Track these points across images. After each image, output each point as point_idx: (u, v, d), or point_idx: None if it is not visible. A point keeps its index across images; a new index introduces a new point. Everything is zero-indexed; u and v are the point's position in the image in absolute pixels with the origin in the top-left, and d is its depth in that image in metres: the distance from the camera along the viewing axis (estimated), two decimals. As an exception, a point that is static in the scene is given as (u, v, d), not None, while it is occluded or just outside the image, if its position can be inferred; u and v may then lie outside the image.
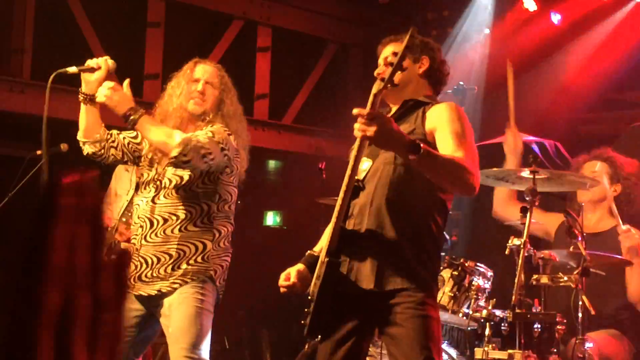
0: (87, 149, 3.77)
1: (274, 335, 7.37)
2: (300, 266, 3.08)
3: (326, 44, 8.03)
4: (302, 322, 2.89)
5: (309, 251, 3.16)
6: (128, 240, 4.30)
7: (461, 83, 5.75)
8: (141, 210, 3.61)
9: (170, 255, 3.51)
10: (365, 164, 3.01)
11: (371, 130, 2.58)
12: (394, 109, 3.14)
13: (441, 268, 4.18)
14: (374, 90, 2.82)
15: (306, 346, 4.84)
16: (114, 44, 6.86)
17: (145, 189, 3.66)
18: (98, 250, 0.77)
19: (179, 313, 3.49)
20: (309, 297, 2.93)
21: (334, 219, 2.89)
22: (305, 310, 2.92)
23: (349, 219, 2.98)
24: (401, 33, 3.12)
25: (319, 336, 2.98)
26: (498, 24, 7.15)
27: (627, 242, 4.41)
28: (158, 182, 3.61)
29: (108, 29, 6.83)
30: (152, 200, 3.59)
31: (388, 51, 3.15)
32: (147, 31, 6.95)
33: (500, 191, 4.88)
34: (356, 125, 2.63)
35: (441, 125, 2.91)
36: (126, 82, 3.63)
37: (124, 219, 5.03)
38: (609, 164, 4.72)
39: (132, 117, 3.41)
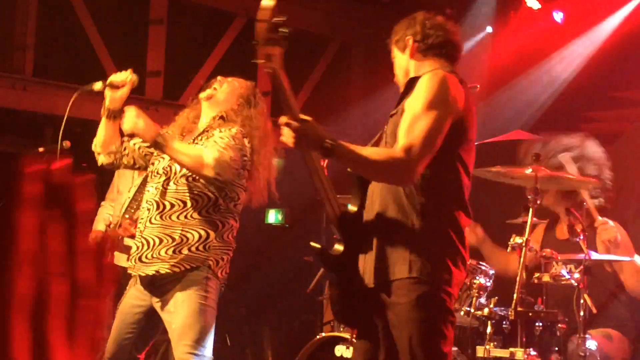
0: (102, 160, 3.84)
1: (275, 332, 7.37)
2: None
3: (328, 42, 8.02)
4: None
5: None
6: (132, 236, 4.31)
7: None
8: (150, 195, 3.64)
9: (174, 239, 3.54)
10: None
11: (289, 139, 2.68)
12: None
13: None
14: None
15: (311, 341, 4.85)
16: (117, 41, 6.86)
17: (155, 176, 3.67)
18: (73, 235, 0.76)
19: (183, 310, 3.50)
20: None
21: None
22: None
23: (366, 207, 2.96)
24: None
25: (347, 323, 3.07)
26: (501, 22, 7.14)
27: (604, 234, 4.28)
28: (168, 169, 3.62)
29: (110, 27, 6.83)
30: (162, 186, 3.62)
31: None
32: (150, 28, 6.95)
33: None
34: (282, 131, 2.71)
35: (409, 103, 2.83)
36: (128, 74, 3.67)
37: (127, 216, 5.04)
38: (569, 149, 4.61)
39: (160, 143, 3.46)
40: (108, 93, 3.73)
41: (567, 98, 6.84)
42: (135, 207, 4.98)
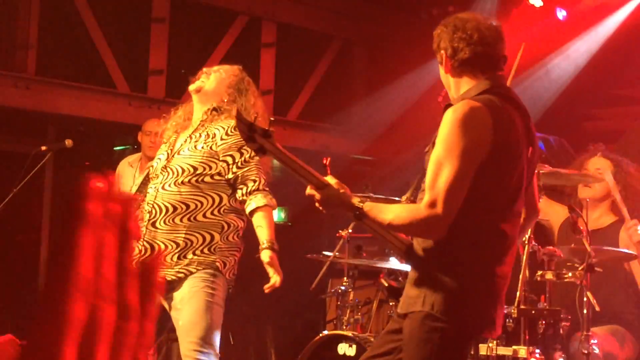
0: None
1: (278, 331, 7.37)
2: None
3: (331, 40, 8.02)
4: None
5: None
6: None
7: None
8: (150, 196, 3.62)
9: (178, 244, 3.52)
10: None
11: (317, 201, 2.77)
12: None
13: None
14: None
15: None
16: (119, 40, 6.86)
17: (156, 176, 3.66)
18: (125, 259, 0.75)
19: (190, 307, 3.49)
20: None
21: None
22: None
23: None
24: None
25: None
26: (503, 19, 7.13)
27: (635, 236, 4.41)
28: (169, 169, 3.61)
29: (113, 25, 6.83)
30: (163, 188, 3.59)
31: None
32: (152, 27, 6.95)
33: None
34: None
35: (436, 142, 2.69)
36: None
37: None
38: (612, 161, 4.71)
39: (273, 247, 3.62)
40: None
41: (570, 96, 6.84)
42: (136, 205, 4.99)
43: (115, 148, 7.79)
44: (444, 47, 2.79)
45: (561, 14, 6.83)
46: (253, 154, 3.50)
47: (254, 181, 3.55)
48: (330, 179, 2.77)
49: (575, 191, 4.74)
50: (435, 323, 2.68)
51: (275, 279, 3.52)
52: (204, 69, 3.82)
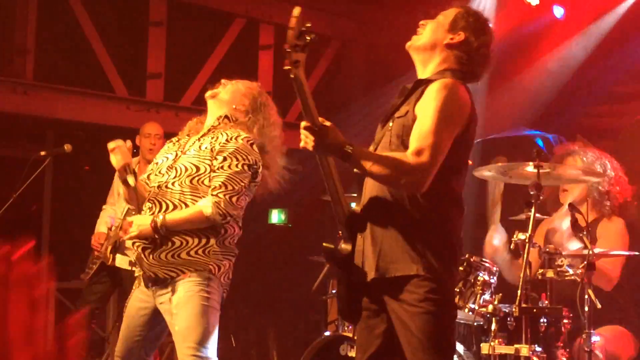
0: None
1: (280, 333, 7.38)
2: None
3: (329, 41, 8.03)
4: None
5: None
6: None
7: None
8: (153, 193, 3.64)
9: (173, 242, 3.52)
10: (371, 149, 3.00)
11: (310, 143, 2.75)
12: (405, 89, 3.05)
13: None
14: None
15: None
16: (117, 44, 6.87)
17: (158, 175, 3.67)
18: (32, 320, 0.75)
19: (185, 311, 3.48)
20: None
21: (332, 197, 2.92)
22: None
23: (362, 204, 2.99)
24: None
25: (349, 320, 3.03)
26: (500, 18, 7.14)
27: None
28: (175, 168, 3.62)
29: (110, 29, 6.83)
30: (166, 186, 3.60)
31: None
32: (150, 30, 6.96)
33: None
34: (302, 137, 2.78)
35: (421, 111, 2.86)
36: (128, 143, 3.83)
37: (128, 218, 5.06)
38: (589, 159, 4.67)
39: (158, 228, 3.50)
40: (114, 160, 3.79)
41: (568, 93, 6.84)
42: (135, 210, 4.99)
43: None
44: (472, 37, 3.07)
45: (559, 12, 6.83)
46: (235, 163, 3.54)
47: (215, 187, 3.53)
48: (327, 123, 2.78)
49: (557, 198, 4.71)
50: (432, 283, 2.81)
51: (132, 231, 3.52)
52: (223, 80, 3.85)
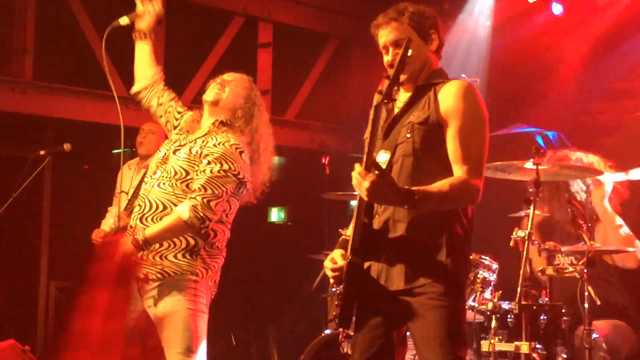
0: (135, 88, 3.96)
1: (280, 331, 7.38)
2: (340, 251, 3.00)
3: (327, 39, 8.02)
4: (334, 313, 2.90)
5: (342, 237, 3.10)
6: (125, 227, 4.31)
7: (463, 75, 5.73)
8: (145, 190, 3.62)
9: (161, 244, 3.49)
10: (383, 157, 2.92)
11: (364, 190, 2.65)
12: (404, 94, 3.05)
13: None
14: (375, 102, 2.80)
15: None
16: (115, 43, 6.85)
17: (153, 172, 3.66)
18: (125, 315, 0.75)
19: (172, 316, 3.44)
20: (338, 291, 2.91)
21: (355, 214, 2.85)
22: (336, 303, 2.91)
23: (376, 216, 2.92)
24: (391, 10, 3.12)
25: (349, 327, 2.98)
26: (499, 15, 7.13)
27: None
28: (165, 168, 3.60)
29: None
30: (158, 185, 3.58)
31: (387, 37, 3.10)
32: (148, 29, 6.94)
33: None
34: (353, 181, 2.70)
35: (452, 118, 2.85)
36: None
37: (126, 212, 5.10)
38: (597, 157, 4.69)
39: (145, 245, 3.44)
40: (134, 19, 3.95)
41: (568, 90, 6.84)
42: (131, 205, 5.01)
43: (113, 151, 7.79)
44: (436, 30, 3.08)
45: (558, 8, 6.82)
46: (217, 168, 3.49)
47: (194, 190, 3.48)
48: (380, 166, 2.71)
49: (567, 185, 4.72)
50: (452, 280, 2.85)
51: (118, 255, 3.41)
52: (219, 80, 3.78)
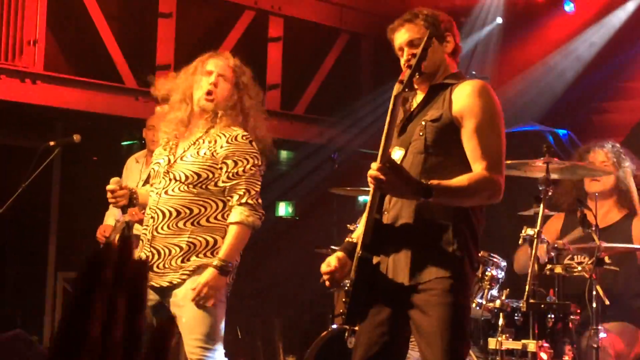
0: None
1: (286, 324, 7.38)
2: (339, 254, 3.02)
3: (338, 34, 8.00)
4: (341, 310, 2.92)
5: (347, 239, 3.13)
6: (140, 222, 4.31)
7: (474, 72, 5.72)
8: (153, 201, 3.62)
9: (181, 248, 3.52)
10: (398, 154, 2.94)
11: (380, 183, 2.68)
12: (420, 95, 3.04)
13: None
14: (394, 92, 2.79)
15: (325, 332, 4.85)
16: (126, 35, 6.86)
17: (157, 179, 3.65)
18: (136, 320, 0.75)
19: (193, 303, 3.48)
20: (347, 287, 2.93)
21: (366, 211, 2.87)
22: (343, 300, 2.93)
23: (385, 212, 2.92)
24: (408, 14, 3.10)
25: (357, 325, 3.00)
26: (511, 13, 7.11)
27: None
28: (171, 175, 3.60)
29: (120, 20, 6.83)
30: (166, 193, 3.58)
31: (402, 37, 3.07)
32: (159, 22, 6.94)
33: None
34: (369, 173, 2.71)
35: (467, 117, 2.86)
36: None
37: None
38: (614, 153, 4.66)
39: (223, 267, 3.51)
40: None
41: (579, 88, 6.81)
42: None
43: (122, 143, 7.80)
44: (452, 34, 3.09)
45: (569, 6, 6.80)
46: (248, 166, 3.53)
47: (240, 195, 3.53)
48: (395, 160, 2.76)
49: (582, 185, 4.70)
50: (459, 278, 2.85)
51: (200, 297, 3.45)
52: (215, 79, 3.70)
